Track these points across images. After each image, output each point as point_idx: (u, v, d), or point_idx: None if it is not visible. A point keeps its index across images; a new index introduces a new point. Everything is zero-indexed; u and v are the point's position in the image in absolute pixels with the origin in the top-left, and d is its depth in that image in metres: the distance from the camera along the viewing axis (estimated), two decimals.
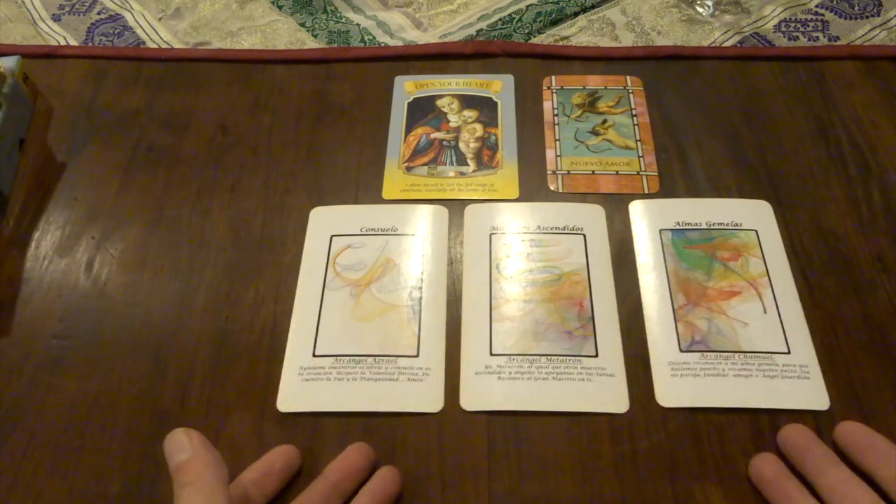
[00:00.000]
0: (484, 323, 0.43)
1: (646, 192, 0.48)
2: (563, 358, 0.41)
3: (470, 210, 0.48)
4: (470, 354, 0.41)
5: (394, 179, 0.50)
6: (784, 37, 0.57)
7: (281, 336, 0.42)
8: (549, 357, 0.41)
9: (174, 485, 0.31)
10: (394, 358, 0.41)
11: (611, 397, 0.40)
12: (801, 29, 0.58)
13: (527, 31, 0.58)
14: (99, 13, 0.62)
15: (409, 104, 0.54)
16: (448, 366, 0.41)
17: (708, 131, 0.51)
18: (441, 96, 0.55)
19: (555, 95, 0.54)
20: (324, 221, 0.48)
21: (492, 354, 0.41)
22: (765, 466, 0.36)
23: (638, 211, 0.47)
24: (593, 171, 0.50)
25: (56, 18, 0.61)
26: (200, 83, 0.56)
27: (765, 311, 0.42)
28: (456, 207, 0.48)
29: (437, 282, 0.44)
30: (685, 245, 0.46)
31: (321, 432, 0.39)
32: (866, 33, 0.57)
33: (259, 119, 0.53)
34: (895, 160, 0.49)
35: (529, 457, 0.38)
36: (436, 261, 0.45)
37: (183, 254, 0.46)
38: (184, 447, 0.32)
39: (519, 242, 0.46)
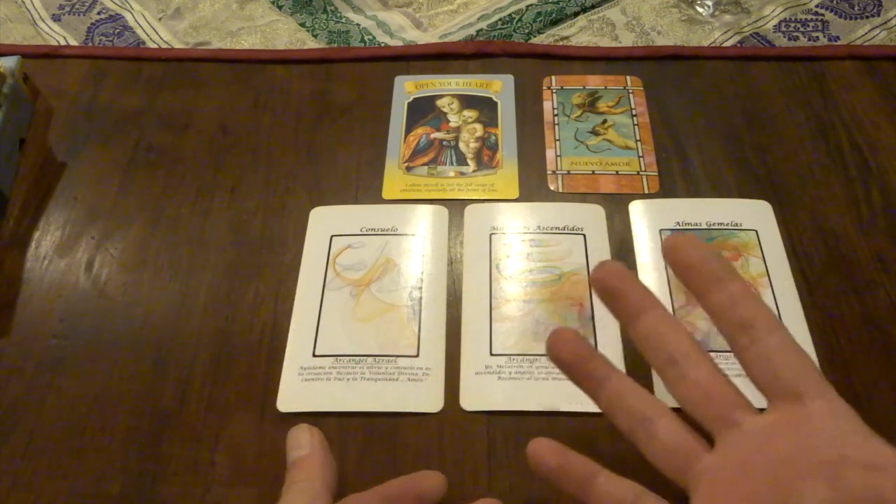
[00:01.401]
0: (484, 323, 0.43)
1: (646, 192, 0.48)
2: None
3: (470, 210, 0.48)
4: (470, 354, 0.41)
5: (394, 179, 0.50)
6: (784, 37, 0.57)
7: (281, 336, 0.42)
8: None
9: (286, 478, 0.31)
10: (394, 358, 0.41)
11: None
12: (801, 29, 0.58)
13: (527, 31, 0.58)
14: (99, 13, 0.62)
15: (409, 104, 0.54)
16: (448, 366, 0.41)
17: (708, 131, 0.51)
18: (441, 96, 0.55)
19: (555, 95, 0.54)
20: (324, 221, 0.48)
21: (492, 354, 0.41)
22: (560, 348, 0.31)
23: (638, 211, 0.47)
24: (593, 171, 0.50)
25: (56, 18, 0.61)
26: (200, 83, 0.56)
27: None
28: (456, 207, 0.48)
29: (437, 282, 0.44)
30: None
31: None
32: (866, 33, 0.57)
33: (259, 119, 0.53)
34: (895, 160, 0.49)
35: None
36: (436, 261, 0.45)
37: (183, 254, 0.46)
38: (303, 444, 0.32)
39: (519, 242, 0.46)
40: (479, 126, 0.53)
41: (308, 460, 0.32)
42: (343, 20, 0.60)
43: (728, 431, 0.27)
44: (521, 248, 0.46)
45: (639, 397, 0.30)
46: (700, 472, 0.27)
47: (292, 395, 0.40)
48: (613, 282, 0.30)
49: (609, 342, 0.41)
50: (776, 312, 0.42)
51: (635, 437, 0.29)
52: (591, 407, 0.39)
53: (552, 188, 0.49)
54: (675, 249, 0.30)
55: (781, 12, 0.59)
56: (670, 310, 0.43)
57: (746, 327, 0.27)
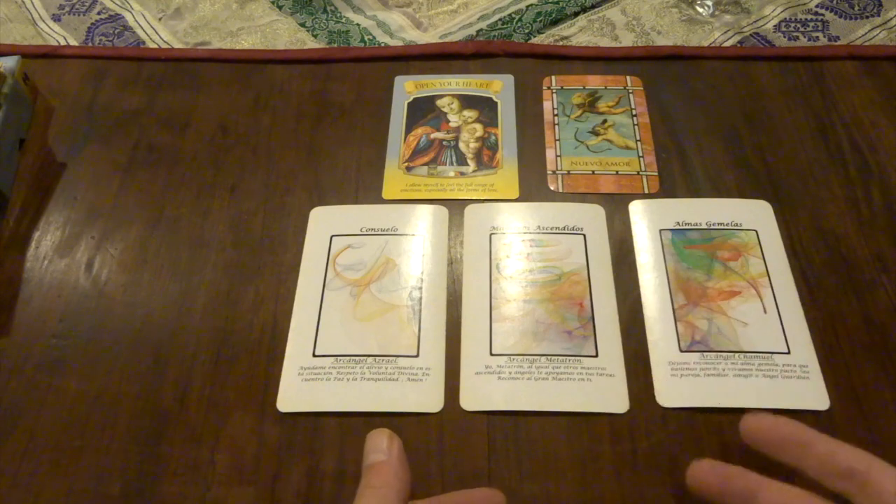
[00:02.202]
0: (484, 323, 0.43)
1: (646, 192, 0.48)
2: (563, 358, 0.41)
3: (470, 210, 0.48)
4: (470, 354, 0.41)
5: (394, 179, 0.50)
6: (784, 37, 0.57)
7: (281, 336, 0.42)
8: (549, 357, 0.41)
9: (361, 481, 0.32)
10: (394, 358, 0.41)
11: (611, 397, 0.40)
12: (801, 29, 0.58)
13: (527, 31, 0.58)
14: (99, 13, 0.62)
15: (409, 104, 0.54)
16: (448, 366, 0.41)
17: (708, 131, 0.51)
18: (441, 96, 0.55)
19: (555, 95, 0.54)
20: (324, 221, 0.48)
21: (492, 354, 0.41)
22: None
23: (638, 211, 0.47)
24: (593, 171, 0.50)
25: (56, 18, 0.61)
26: (200, 83, 0.56)
27: (765, 311, 0.42)
28: (456, 207, 0.48)
29: (437, 282, 0.44)
30: (685, 245, 0.46)
31: (321, 432, 0.39)
32: (866, 33, 0.57)
33: (259, 119, 0.53)
34: (895, 160, 0.49)
35: (529, 457, 0.38)
36: (436, 261, 0.45)
37: (183, 254, 0.46)
38: (382, 449, 0.33)
39: (519, 242, 0.46)
40: (479, 126, 0.53)
41: (385, 466, 0.32)
42: (343, 20, 0.60)
43: None
44: (521, 248, 0.46)
45: (799, 496, 0.31)
46: None
47: (292, 395, 0.40)
48: (713, 480, 0.33)
49: (609, 342, 0.41)
50: (776, 312, 0.42)
51: None
52: (591, 407, 0.39)
53: (552, 188, 0.49)
54: (756, 430, 0.33)
55: (781, 12, 0.59)
56: (670, 310, 0.43)
57: (851, 474, 0.30)
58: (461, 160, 0.51)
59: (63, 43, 0.59)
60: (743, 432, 0.33)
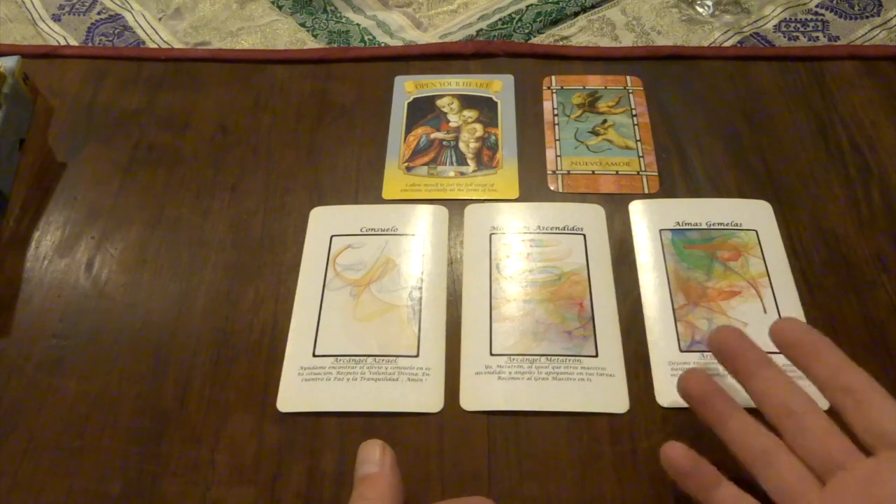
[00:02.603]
0: (484, 323, 0.43)
1: (646, 192, 0.48)
2: (563, 358, 0.41)
3: (470, 210, 0.48)
4: (470, 354, 0.41)
5: (394, 179, 0.50)
6: (784, 37, 0.57)
7: (281, 336, 0.42)
8: (549, 357, 0.41)
9: (353, 493, 0.32)
10: (394, 358, 0.41)
11: (611, 397, 0.40)
12: (801, 29, 0.58)
13: (527, 31, 0.58)
14: (99, 13, 0.62)
15: (409, 104, 0.54)
16: (448, 366, 0.41)
17: (708, 131, 0.51)
18: (441, 96, 0.55)
19: (555, 95, 0.54)
20: (324, 221, 0.48)
21: (492, 354, 0.41)
22: (690, 385, 0.35)
23: (638, 211, 0.47)
24: (593, 171, 0.50)
25: (56, 18, 0.61)
26: (200, 83, 0.56)
27: (765, 311, 0.42)
28: (456, 207, 0.48)
29: (437, 282, 0.44)
30: (685, 245, 0.46)
31: (321, 432, 0.39)
32: (866, 33, 0.57)
33: (259, 119, 0.53)
34: (895, 160, 0.49)
35: (529, 457, 0.38)
36: (436, 261, 0.45)
37: (183, 254, 0.46)
38: (374, 461, 0.33)
39: (519, 242, 0.46)
40: (479, 126, 0.53)
41: (379, 478, 0.32)
42: (343, 20, 0.60)
43: (839, 474, 0.31)
44: (521, 248, 0.46)
45: (761, 433, 0.33)
46: None
47: (292, 395, 0.40)
48: (731, 343, 0.35)
49: (609, 342, 0.41)
50: (776, 312, 0.42)
51: (755, 468, 0.32)
52: (591, 407, 0.39)
53: (552, 188, 0.49)
54: (782, 331, 0.35)
55: (781, 12, 0.59)
56: (670, 310, 0.43)
57: (850, 391, 0.32)
58: (461, 160, 0.51)
59: (63, 43, 0.59)
60: (772, 330, 0.35)
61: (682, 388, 0.36)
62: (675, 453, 0.34)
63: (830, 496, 0.30)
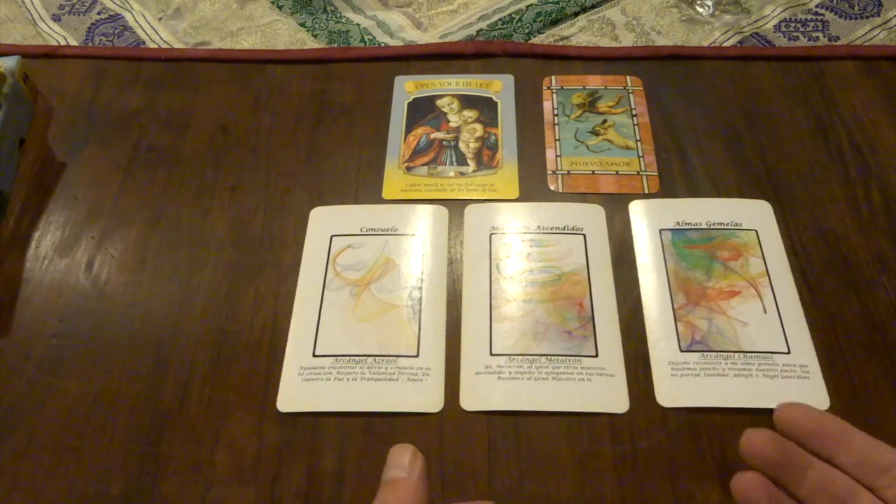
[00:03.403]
0: (484, 323, 0.43)
1: (646, 192, 0.48)
2: (563, 358, 0.41)
3: (470, 210, 0.48)
4: (470, 354, 0.41)
5: (394, 179, 0.50)
6: (784, 37, 0.57)
7: (281, 336, 0.42)
8: (549, 357, 0.41)
9: (376, 497, 0.31)
10: (394, 358, 0.41)
11: (611, 397, 0.40)
12: (801, 29, 0.58)
13: (527, 31, 0.58)
14: (99, 13, 0.62)
15: (409, 104, 0.54)
16: (448, 366, 0.41)
17: (708, 131, 0.51)
18: (441, 96, 0.55)
19: (555, 95, 0.54)
20: (324, 221, 0.48)
21: (492, 354, 0.41)
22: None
23: (638, 211, 0.47)
24: (593, 171, 0.50)
25: (56, 18, 0.61)
26: (200, 83, 0.56)
27: (765, 311, 0.42)
28: (456, 207, 0.48)
29: (437, 282, 0.44)
30: (685, 245, 0.46)
31: (321, 432, 0.39)
32: (866, 33, 0.57)
33: (259, 119, 0.53)
34: (895, 160, 0.49)
35: (529, 457, 0.38)
36: (436, 261, 0.45)
37: (183, 254, 0.46)
38: (403, 466, 0.32)
39: (519, 242, 0.46)
40: (479, 126, 0.53)
41: (404, 484, 0.31)
42: (343, 20, 0.60)
43: None
44: (521, 248, 0.46)
45: (840, 476, 0.32)
46: None
47: (292, 395, 0.40)
48: (775, 457, 0.33)
49: (609, 342, 0.41)
50: (776, 312, 0.42)
51: None
52: (591, 407, 0.39)
53: (552, 188, 0.49)
54: (791, 420, 0.33)
55: (781, 12, 0.59)
56: (670, 310, 0.43)
57: (886, 469, 0.31)
58: (461, 160, 0.51)
59: (63, 43, 0.59)
60: (777, 419, 0.34)
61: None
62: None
63: None
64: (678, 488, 0.37)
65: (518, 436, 0.39)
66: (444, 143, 0.52)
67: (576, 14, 0.59)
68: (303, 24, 0.60)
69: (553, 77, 0.55)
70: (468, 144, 0.52)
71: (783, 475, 0.33)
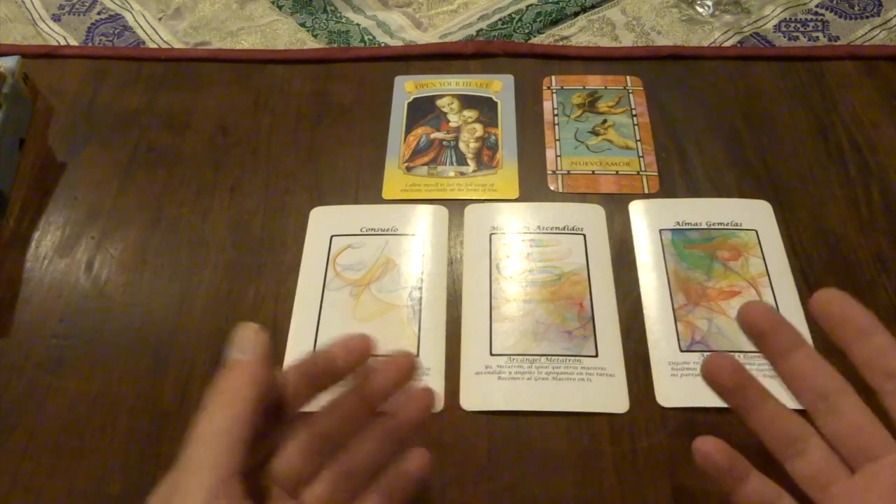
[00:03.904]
0: (484, 323, 0.43)
1: (646, 192, 0.48)
2: (563, 358, 0.41)
3: (470, 210, 0.48)
4: (470, 354, 0.41)
5: (394, 179, 0.50)
6: (784, 37, 0.57)
7: (281, 336, 0.42)
8: (549, 357, 0.41)
9: (215, 383, 0.29)
10: None
11: (611, 397, 0.40)
12: (801, 29, 0.58)
13: (527, 31, 0.58)
14: (99, 13, 0.62)
15: (409, 104, 0.54)
16: (448, 366, 0.41)
17: (708, 131, 0.51)
18: (441, 96, 0.55)
19: (555, 95, 0.54)
20: (324, 221, 0.48)
21: (492, 354, 0.41)
22: (722, 371, 0.32)
23: (638, 211, 0.47)
24: (593, 171, 0.50)
25: (56, 18, 0.61)
26: (200, 83, 0.56)
27: None
28: (456, 207, 0.48)
29: (437, 282, 0.44)
30: (685, 245, 0.46)
31: None
32: (866, 33, 0.57)
33: (259, 119, 0.53)
34: (895, 160, 0.49)
35: (529, 457, 0.38)
36: (436, 261, 0.45)
37: (183, 254, 0.46)
38: (243, 348, 0.29)
39: (519, 242, 0.46)
40: (479, 126, 0.53)
41: (241, 367, 0.29)
42: (343, 20, 0.60)
43: (870, 463, 0.29)
44: (521, 248, 0.46)
45: (792, 419, 0.32)
46: (837, 493, 0.30)
47: None
48: (762, 322, 0.32)
49: (609, 342, 0.41)
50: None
51: (784, 455, 0.31)
52: (591, 407, 0.39)
53: (552, 188, 0.49)
54: (825, 303, 0.32)
55: (781, 12, 0.59)
56: (670, 310, 0.43)
57: (893, 376, 0.30)
58: (461, 160, 0.51)
59: (63, 43, 0.59)
60: (813, 302, 0.32)
61: (710, 374, 0.33)
62: (711, 448, 0.32)
63: (859, 486, 0.29)
64: (678, 488, 0.37)
65: (518, 436, 0.39)
66: (444, 143, 0.52)
67: (576, 14, 0.59)
68: (303, 24, 0.60)
69: (553, 77, 0.55)
70: (468, 144, 0.52)
71: (727, 480, 0.32)
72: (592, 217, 0.47)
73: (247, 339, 0.30)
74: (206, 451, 0.27)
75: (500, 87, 0.55)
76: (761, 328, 0.32)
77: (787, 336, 0.32)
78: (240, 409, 0.28)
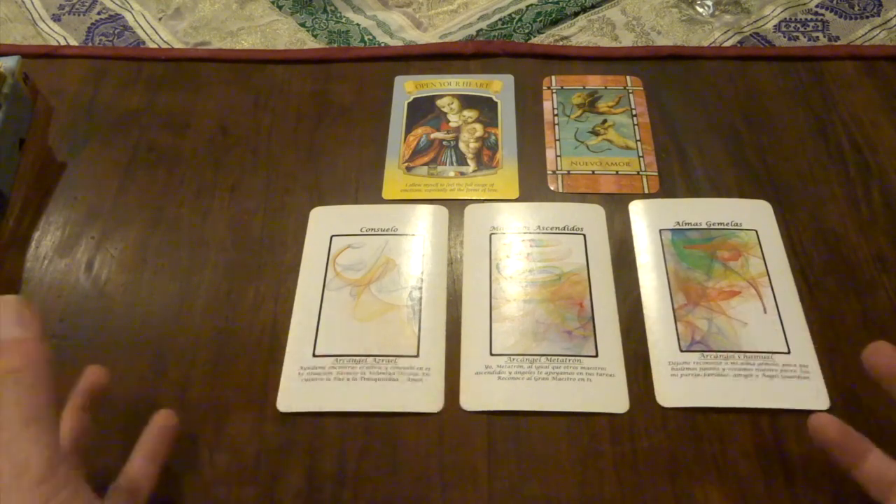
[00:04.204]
0: (484, 323, 0.43)
1: (646, 192, 0.48)
2: (563, 358, 0.41)
3: (470, 210, 0.48)
4: (470, 354, 0.41)
5: (394, 179, 0.50)
6: (784, 37, 0.57)
7: (281, 336, 0.42)
8: (549, 357, 0.41)
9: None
10: (394, 358, 0.41)
11: (611, 397, 0.40)
12: (801, 29, 0.58)
13: (527, 31, 0.58)
14: (99, 13, 0.62)
15: (409, 104, 0.54)
16: (448, 366, 0.41)
17: (708, 131, 0.51)
18: (441, 96, 0.55)
19: (555, 95, 0.54)
20: (324, 221, 0.48)
21: (492, 354, 0.41)
22: (829, 430, 0.34)
23: (638, 211, 0.47)
24: (593, 171, 0.50)
25: (56, 18, 0.61)
26: (200, 83, 0.56)
27: (765, 311, 0.42)
28: (456, 207, 0.48)
29: (437, 282, 0.44)
30: (685, 245, 0.46)
31: (321, 432, 0.39)
32: (866, 33, 0.57)
33: (259, 119, 0.53)
34: (895, 160, 0.49)
35: (529, 457, 0.38)
36: (436, 261, 0.45)
37: (183, 254, 0.46)
38: (13, 321, 0.26)
39: (519, 242, 0.46)
40: (479, 126, 0.53)
41: (25, 344, 0.25)
42: (343, 20, 0.60)
43: None
44: (521, 248, 0.46)
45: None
46: None
47: (292, 394, 0.40)
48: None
49: (609, 342, 0.41)
50: (776, 312, 0.42)
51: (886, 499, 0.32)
52: (591, 407, 0.39)
53: (552, 188, 0.49)
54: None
55: (781, 12, 0.59)
56: (670, 310, 0.43)
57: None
58: (461, 160, 0.51)
59: (63, 43, 0.59)
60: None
61: (820, 434, 0.34)
62: (824, 423, 0.33)
63: None
64: (678, 488, 0.37)
65: (518, 436, 0.39)
66: (444, 143, 0.52)
67: (576, 14, 0.59)
68: (303, 24, 0.60)
69: (553, 77, 0.55)
70: (468, 144, 0.52)
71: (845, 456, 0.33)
72: (592, 217, 0.47)
73: (14, 314, 0.26)
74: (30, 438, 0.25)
75: (500, 87, 0.55)
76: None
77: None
78: (46, 385, 0.26)
